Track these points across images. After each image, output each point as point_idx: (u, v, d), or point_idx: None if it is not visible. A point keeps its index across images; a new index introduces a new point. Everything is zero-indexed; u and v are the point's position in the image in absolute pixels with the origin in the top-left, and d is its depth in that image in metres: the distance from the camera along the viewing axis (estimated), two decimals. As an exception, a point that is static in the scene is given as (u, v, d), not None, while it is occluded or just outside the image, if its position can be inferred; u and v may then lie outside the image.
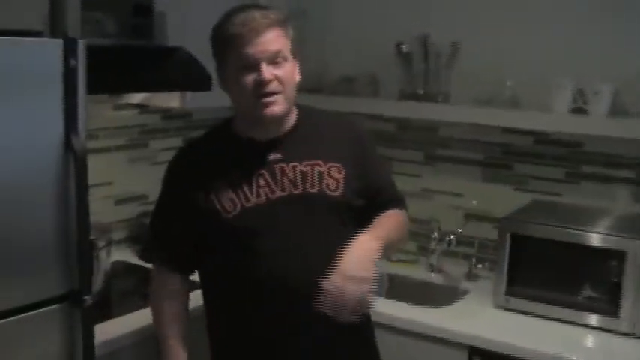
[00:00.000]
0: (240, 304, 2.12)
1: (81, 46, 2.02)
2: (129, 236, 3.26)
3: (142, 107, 3.26)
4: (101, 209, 3.13)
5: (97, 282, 2.61)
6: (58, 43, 1.98)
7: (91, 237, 2.56)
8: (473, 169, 3.26)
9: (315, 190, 2.09)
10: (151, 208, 3.24)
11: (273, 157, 2.10)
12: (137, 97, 3.12)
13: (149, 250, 2.29)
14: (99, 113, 3.09)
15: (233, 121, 2.19)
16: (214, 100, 2.97)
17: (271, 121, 2.08)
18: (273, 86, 2.01)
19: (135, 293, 2.79)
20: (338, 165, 2.13)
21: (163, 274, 2.22)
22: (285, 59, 2.05)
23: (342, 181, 2.12)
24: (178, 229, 2.16)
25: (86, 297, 2.05)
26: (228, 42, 2.03)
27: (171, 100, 3.05)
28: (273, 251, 2.05)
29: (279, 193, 2.08)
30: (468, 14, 3.14)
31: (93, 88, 2.36)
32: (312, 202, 2.09)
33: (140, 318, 2.52)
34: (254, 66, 2.00)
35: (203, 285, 2.24)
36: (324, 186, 2.10)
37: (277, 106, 2.04)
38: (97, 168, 3.08)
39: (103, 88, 2.61)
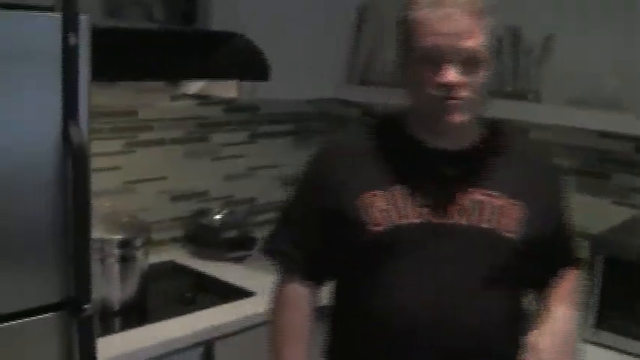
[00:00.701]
0: (362, 345, 1.76)
1: (83, 22, 1.76)
2: (184, 235, 3.04)
3: (201, 99, 3.03)
4: (154, 205, 2.96)
5: (130, 284, 2.45)
6: (56, 18, 1.72)
7: (124, 236, 2.42)
8: (567, 177, 2.84)
9: (488, 226, 1.67)
10: (211, 205, 3.12)
11: (447, 171, 1.69)
12: (193, 88, 2.88)
13: (276, 245, 1.86)
14: (154, 103, 2.89)
15: (405, 119, 1.76)
16: (277, 92, 2.77)
17: (447, 131, 1.69)
18: (459, 92, 1.60)
19: (179, 297, 2.57)
20: (520, 202, 1.70)
21: (291, 279, 1.82)
22: (478, 60, 1.60)
23: (521, 223, 1.68)
24: (316, 228, 1.77)
25: (85, 306, 1.81)
26: (411, 25, 1.63)
27: (229, 90, 2.79)
28: (418, 289, 1.65)
29: (441, 219, 1.66)
30: (564, 5, 2.73)
31: (140, 74, 2.15)
32: (481, 240, 1.67)
33: (178, 325, 2.34)
34: (438, 62, 1.59)
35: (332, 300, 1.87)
36: (500, 224, 1.68)
37: (459, 115, 1.62)
38: (150, 161, 2.99)
39: (152, 74, 2.42)
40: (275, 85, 2.64)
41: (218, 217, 3.02)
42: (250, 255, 2.94)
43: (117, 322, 2.40)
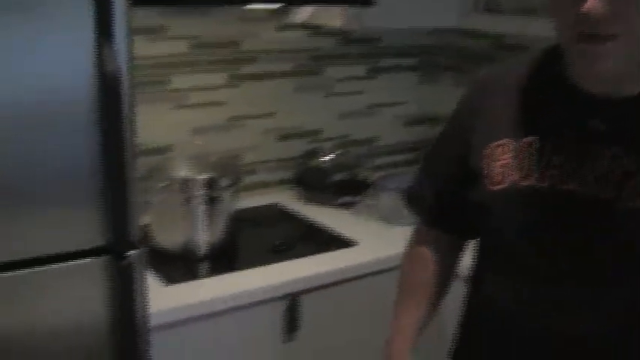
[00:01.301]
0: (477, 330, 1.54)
1: None
2: (293, 177, 2.82)
3: (311, 29, 2.77)
4: (260, 143, 2.75)
5: (218, 228, 2.26)
6: None
7: (210, 176, 2.23)
8: None
9: (635, 206, 1.26)
10: (323, 146, 2.88)
11: (596, 125, 1.30)
12: (298, 17, 2.63)
13: (413, 190, 1.63)
14: (257, 33, 2.66)
15: (560, 55, 1.34)
16: (390, 21, 2.48)
17: (595, 79, 1.30)
18: (604, 26, 1.18)
19: (273, 244, 2.33)
20: None
21: (421, 229, 1.62)
22: None
23: None
24: (453, 175, 1.51)
25: (127, 253, 1.64)
26: None
27: (334, 19, 2.51)
28: (535, 271, 1.36)
29: (572, 186, 1.29)
30: None
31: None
32: (624, 223, 1.28)
33: (265, 274, 2.16)
34: None
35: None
36: None
37: (605, 60, 1.21)
38: (257, 96, 2.77)
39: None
40: (387, 12, 2.37)
41: (328, 158, 2.77)
42: (360, 201, 2.67)
43: (201, 267, 2.23)
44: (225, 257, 2.28)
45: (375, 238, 2.42)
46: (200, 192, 2.20)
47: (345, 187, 2.69)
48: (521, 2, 2.57)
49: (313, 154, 2.80)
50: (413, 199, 1.63)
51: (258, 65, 2.69)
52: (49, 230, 1.59)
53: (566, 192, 1.29)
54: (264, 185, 2.80)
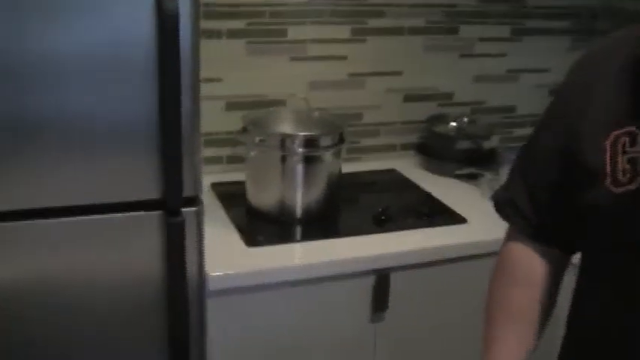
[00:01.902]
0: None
1: None
2: (415, 143, 2.61)
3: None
4: (382, 103, 2.58)
5: (316, 190, 2.11)
6: None
7: (312, 133, 2.07)
8: None
9: None
10: (455, 110, 2.66)
11: None
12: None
13: (504, 192, 1.35)
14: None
15: None
16: None
17: None
18: None
19: (374, 213, 2.14)
20: None
21: (516, 239, 1.32)
22: None
23: None
24: (546, 173, 1.24)
25: (184, 209, 1.52)
26: None
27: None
28: None
29: None
30: None
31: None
32: None
33: (357, 246, 1.99)
34: None
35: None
36: None
37: None
38: (383, 52, 2.57)
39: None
40: None
41: (456, 124, 2.54)
42: (484, 175, 2.42)
43: (292, 231, 2.09)
44: (320, 223, 2.11)
45: (489, 218, 2.17)
46: (299, 150, 2.05)
47: (470, 158, 2.45)
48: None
49: (440, 118, 2.58)
50: (504, 204, 1.33)
51: (387, 19, 2.47)
52: (106, 179, 1.50)
53: None
54: (384, 149, 2.62)
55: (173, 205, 1.50)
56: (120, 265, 1.55)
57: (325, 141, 2.09)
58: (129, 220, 1.52)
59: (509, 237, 1.33)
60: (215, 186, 2.30)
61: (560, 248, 1.27)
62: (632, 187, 1.06)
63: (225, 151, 2.39)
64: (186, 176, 1.51)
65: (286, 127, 2.13)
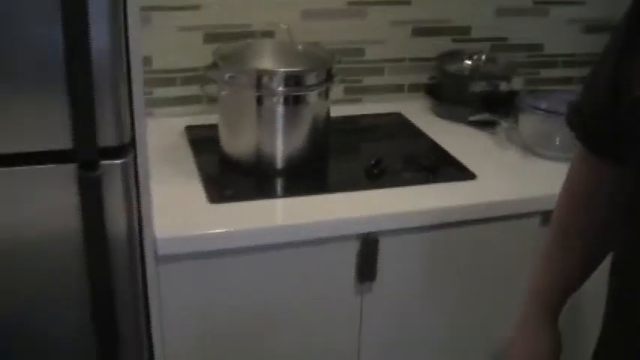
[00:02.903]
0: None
1: None
2: (426, 83, 2.28)
3: None
4: (389, 38, 2.24)
5: (299, 137, 1.80)
6: None
7: (295, 69, 1.75)
8: None
9: None
10: (472, 47, 2.31)
11: None
12: None
13: (572, 106, 1.25)
14: None
15: None
16: None
17: None
18: None
19: (367, 165, 1.83)
20: None
21: (581, 155, 1.23)
22: None
23: None
24: (611, 82, 1.09)
25: (104, 161, 1.24)
26: None
27: None
28: None
29: None
30: None
31: None
32: None
33: (342, 205, 1.68)
34: None
35: None
36: None
37: None
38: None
39: None
40: None
41: (472, 63, 2.19)
42: (501, 122, 2.09)
43: (269, 184, 1.78)
44: (302, 176, 1.80)
45: (502, 174, 1.86)
46: (278, 89, 1.73)
47: (486, 102, 2.11)
48: None
49: (454, 56, 2.23)
50: (571, 114, 1.23)
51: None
52: (10, 126, 1.20)
53: None
54: (389, 89, 2.29)
55: (86, 157, 1.20)
56: (35, 219, 1.27)
57: (310, 79, 1.76)
58: (40, 173, 1.23)
59: (577, 152, 1.25)
60: (190, 129, 2.01)
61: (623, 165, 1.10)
62: None
63: (204, 89, 2.08)
64: (108, 122, 1.21)
65: (264, 63, 1.80)
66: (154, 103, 2.08)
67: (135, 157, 1.33)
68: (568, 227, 1.25)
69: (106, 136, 1.23)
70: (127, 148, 1.28)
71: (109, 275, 1.30)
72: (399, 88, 2.30)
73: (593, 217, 1.21)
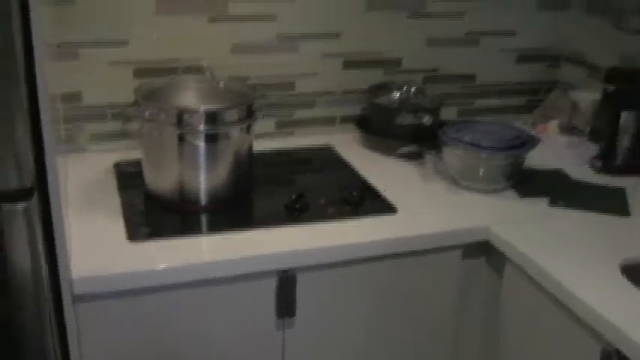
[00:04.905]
0: None
1: None
2: (356, 116, 2.30)
3: None
4: (319, 71, 2.26)
5: (222, 173, 1.80)
6: None
7: (215, 107, 1.77)
8: None
9: None
10: (404, 79, 2.33)
11: None
12: None
13: None
14: None
15: None
16: None
17: None
18: None
19: (290, 199, 1.84)
20: None
21: None
22: None
23: None
24: None
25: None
26: None
27: None
28: None
29: None
30: None
31: None
32: None
33: (259, 241, 1.68)
34: None
35: None
36: None
37: None
38: (317, 12, 2.23)
39: None
40: None
41: (401, 95, 2.22)
42: (428, 153, 2.12)
43: (191, 220, 1.77)
44: (226, 212, 1.81)
45: (426, 206, 1.87)
46: (199, 126, 1.74)
47: (414, 134, 2.14)
48: None
49: (384, 88, 2.26)
50: None
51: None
52: None
53: None
54: (321, 122, 2.31)
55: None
56: None
57: (230, 115, 1.77)
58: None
59: None
60: (118, 165, 2.02)
61: None
62: None
63: (133, 125, 2.08)
64: (7, 165, 1.21)
65: (185, 100, 1.82)
66: (84, 139, 2.09)
67: (46, 199, 1.33)
68: None
69: (7, 180, 1.24)
70: (29, 191, 1.28)
71: (11, 321, 1.30)
72: (330, 121, 2.32)
73: None
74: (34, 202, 1.29)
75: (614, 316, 1.42)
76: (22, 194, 1.27)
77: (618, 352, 1.40)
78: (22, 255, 1.29)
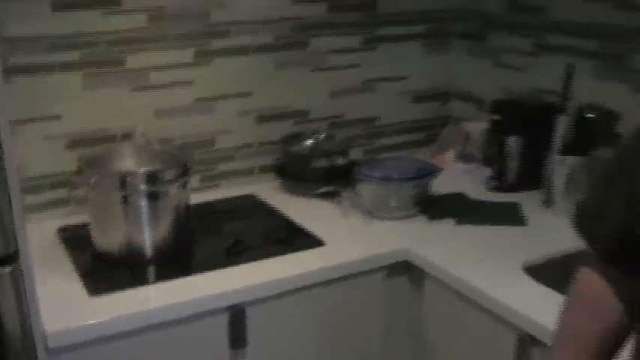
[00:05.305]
0: None
1: None
2: (273, 164, 2.52)
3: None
4: (236, 127, 2.46)
5: (165, 227, 1.98)
6: None
7: (155, 167, 1.95)
8: None
9: None
10: (314, 127, 2.58)
11: None
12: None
13: (589, 212, 1.19)
14: (229, 2, 2.34)
15: None
16: None
17: None
18: None
19: (230, 243, 2.05)
20: None
21: (596, 266, 1.17)
22: None
23: None
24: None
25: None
26: None
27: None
28: None
29: None
30: None
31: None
32: None
33: (208, 282, 1.88)
34: None
35: None
36: None
37: None
38: (231, 74, 2.44)
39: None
40: None
41: (312, 141, 2.46)
42: (343, 192, 2.35)
43: (142, 272, 1.95)
44: (172, 261, 1.99)
45: (347, 238, 2.10)
46: (140, 187, 1.93)
47: (328, 175, 2.38)
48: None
49: (296, 137, 2.49)
50: (588, 222, 1.17)
51: (232, 39, 2.38)
52: None
53: None
54: (242, 173, 2.51)
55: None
56: None
57: (168, 174, 1.97)
58: None
59: (589, 262, 1.18)
60: (62, 231, 2.16)
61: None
62: None
63: (72, 193, 2.24)
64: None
65: (125, 164, 2.00)
66: (26, 210, 2.23)
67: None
68: (583, 337, 1.18)
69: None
70: (14, 256, 1.44)
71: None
72: (250, 172, 2.52)
73: (607, 325, 1.15)
74: (18, 265, 1.45)
75: (523, 307, 1.69)
76: (8, 259, 1.43)
77: (530, 336, 1.65)
78: (12, 314, 1.45)
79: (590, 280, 1.16)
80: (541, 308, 1.66)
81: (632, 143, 1.12)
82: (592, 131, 2.21)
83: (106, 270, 1.94)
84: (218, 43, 2.36)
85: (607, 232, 1.12)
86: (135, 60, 2.25)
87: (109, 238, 1.98)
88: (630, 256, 1.09)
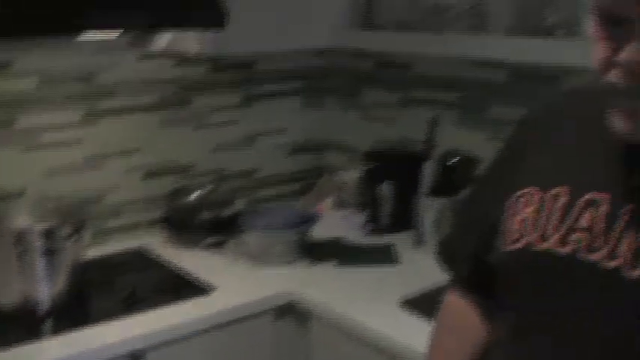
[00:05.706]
0: None
1: None
2: (160, 218, 2.62)
3: (176, 57, 2.59)
4: (124, 183, 2.57)
5: (61, 281, 2.06)
6: None
7: (48, 225, 2.04)
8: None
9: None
10: (198, 181, 2.70)
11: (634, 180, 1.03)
12: (159, 44, 2.45)
13: (448, 246, 1.41)
14: (115, 64, 2.48)
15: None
16: (260, 44, 2.38)
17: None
18: None
19: (125, 295, 2.15)
20: None
21: (455, 293, 1.37)
22: None
23: None
24: (484, 227, 1.23)
25: None
26: None
27: (189, 45, 2.36)
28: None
29: (598, 256, 1.00)
30: None
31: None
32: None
33: (107, 331, 1.97)
34: (621, 24, 0.92)
35: None
36: None
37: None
38: (118, 133, 2.56)
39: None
40: (253, 35, 2.28)
41: (196, 195, 2.59)
42: (229, 241, 2.50)
43: (39, 327, 2.00)
44: (68, 314, 2.06)
45: (237, 283, 2.24)
46: (37, 244, 2.01)
47: (214, 227, 2.52)
48: (395, 16, 2.46)
49: (182, 191, 2.61)
50: (447, 254, 1.39)
51: (118, 99, 2.51)
52: None
53: (588, 264, 1.00)
54: (130, 228, 2.62)
55: None
56: None
57: (64, 230, 2.07)
58: None
59: (449, 289, 1.38)
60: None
61: (486, 301, 1.30)
62: (518, 245, 1.09)
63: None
64: None
65: (21, 222, 2.08)
66: None
67: None
68: (445, 355, 1.36)
69: None
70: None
71: None
72: (139, 225, 2.63)
73: (461, 342, 1.34)
74: None
75: (400, 336, 1.88)
76: None
77: (408, 363, 1.84)
78: None
79: (451, 300, 1.37)
80: (417, 337, 1.84)
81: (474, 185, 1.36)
82: (456, 175, 2.45)
83: (3, 325, 2.00)
84: (105, 104, 2.48)
85: (462, 261, 1.32)
86: (25, 120, 2.34)
87: (5, 293, 2.04)
88: (485, 283, 1.24)
